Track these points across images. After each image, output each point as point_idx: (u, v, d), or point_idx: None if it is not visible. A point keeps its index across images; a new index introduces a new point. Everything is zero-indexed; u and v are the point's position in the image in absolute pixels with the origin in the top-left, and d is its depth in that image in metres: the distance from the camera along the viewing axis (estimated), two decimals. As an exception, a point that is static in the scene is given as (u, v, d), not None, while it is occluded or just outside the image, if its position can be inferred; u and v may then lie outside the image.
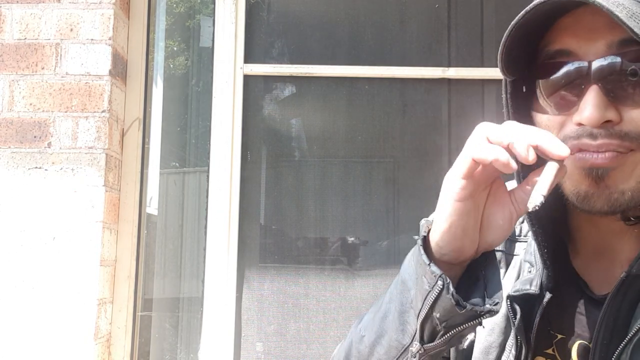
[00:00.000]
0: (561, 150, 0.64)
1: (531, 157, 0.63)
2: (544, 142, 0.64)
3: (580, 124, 0.69)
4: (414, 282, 0.73)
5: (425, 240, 0.72)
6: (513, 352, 0.78)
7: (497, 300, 0.69)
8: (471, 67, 2.32)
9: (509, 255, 0.86)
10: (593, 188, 0.70)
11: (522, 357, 0.78)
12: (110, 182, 2.10)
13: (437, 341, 0.71)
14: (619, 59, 0.68)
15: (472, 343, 0.85)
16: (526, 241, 0.85)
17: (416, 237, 0.74)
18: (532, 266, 0.81)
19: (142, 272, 2.25)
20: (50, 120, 2.07)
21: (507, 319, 0.80)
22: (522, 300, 0.77)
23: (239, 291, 2.23)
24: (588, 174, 0.70)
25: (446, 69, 2.31)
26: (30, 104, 2.08)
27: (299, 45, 2.36)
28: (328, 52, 2.35)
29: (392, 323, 0.77)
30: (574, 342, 0.77)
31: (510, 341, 0.79)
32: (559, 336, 0.79)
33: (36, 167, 2.06)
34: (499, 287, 0.71)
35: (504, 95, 0.77)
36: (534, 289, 0.78)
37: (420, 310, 0.70)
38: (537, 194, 0.64)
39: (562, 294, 0.79)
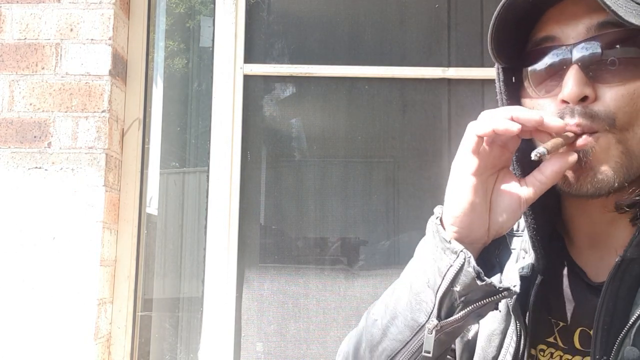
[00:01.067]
0: (557, 121, 0.71)
1: (538, 116, 0.70)
2: (542, 116, 0.71)
3: (563, 101, 0.74)
4: (431, 263, 0.75)
5: (440, 222, 0.76)
6: (514, 338, 0.81)
7: (514, 283, 0.73)
8: (471, 67, 2.32)
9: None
10: (578, 171, 0.74)
11: (522, 344, 0.80)
12: (110, 182, 2.10)
13: (454, 316, 0.74)
14: (597, 40, 0.73)
15: (476, 334, 0.87)
16: (522, 236, 0.88)
17: (434, 217, 0.77)
18: (527, 253, 0.85)
19: (142, 272, 2.25)
20: (50, 120, 2.07)
21: (507, 306, 0.83)
22: None
23: (239, 291, 2.23)
24: None
25: (446, 69, 2.31)
26: (30, 104, 2.08)
27: (299, 45, 2.36)
28: (328, 52, 2.35)
29: (408, 304, 0.79)
30: (576, 329, 0.79)
31: (512, 328, 0.82)
32: (561, 324, 0.81)
33: (36, 167, 2.06)
34: (515, 272, 0.75)
35: (497, 83, 0.83)
36: (526, 271, 0.82)
37: (440, 285, 0.73)
38: (542, 147, 0.69)
39: (560, 282, 0.81)
